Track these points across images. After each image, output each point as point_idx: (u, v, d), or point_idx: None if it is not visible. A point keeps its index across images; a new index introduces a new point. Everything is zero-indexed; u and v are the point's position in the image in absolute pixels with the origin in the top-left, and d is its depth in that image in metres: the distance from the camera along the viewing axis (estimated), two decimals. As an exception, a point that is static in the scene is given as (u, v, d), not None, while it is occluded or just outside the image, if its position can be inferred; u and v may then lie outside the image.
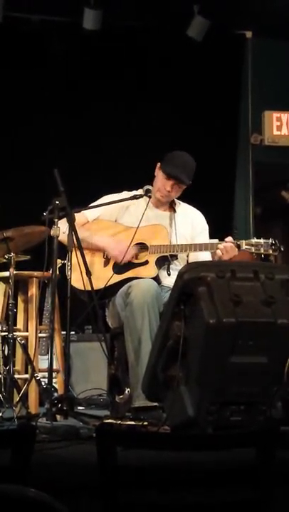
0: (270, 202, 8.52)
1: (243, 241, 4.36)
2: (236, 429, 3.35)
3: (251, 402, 3.44)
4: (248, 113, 7.86)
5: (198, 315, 3.36)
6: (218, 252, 4.31)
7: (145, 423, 3.78)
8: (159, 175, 4.57)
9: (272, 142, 7.87)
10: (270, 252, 4.32)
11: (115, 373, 4.33)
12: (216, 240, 4.47)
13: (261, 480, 2.45)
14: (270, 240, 4.32)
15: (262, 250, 4.32)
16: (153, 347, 3.75)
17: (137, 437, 2.61)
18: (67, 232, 4.18)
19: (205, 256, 4.53)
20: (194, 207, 4.75)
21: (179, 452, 2.63)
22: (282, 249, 4.33)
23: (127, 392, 4.16)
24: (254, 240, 4.36)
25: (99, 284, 4.35)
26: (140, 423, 3.80)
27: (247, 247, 4.33)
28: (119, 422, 3.85)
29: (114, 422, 3.86)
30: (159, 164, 4.60)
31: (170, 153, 4.61)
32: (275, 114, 7.88)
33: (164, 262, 4.46)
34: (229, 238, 4.37)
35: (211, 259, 4.53)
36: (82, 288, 4.30)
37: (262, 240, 4.33)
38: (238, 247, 4.33)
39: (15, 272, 4.45)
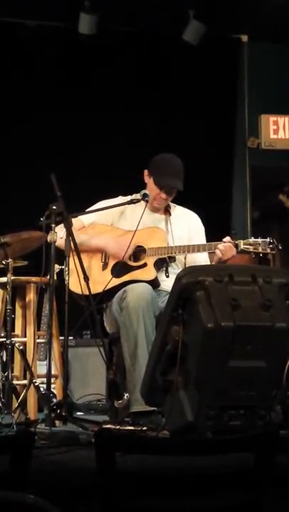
0: (267, 205, 8.52)
1: (241, 241, 4.36)
2: (235, 433, 3.35)
3: (250, 406, 3.43)
4: (245, 117, 7.87)
5: (196, 319, 3.36)
6: (218, 252, 4.32)
7: (144, 428, 3.77)
8: (151, 184, 4.57)
9: (269, 146, 7.89)
10: (268, 250, 4.32)
11: (114, 378, 4.32)
12: None
13: (260, 484, 2.44)
14: (268, 239, 4.33)
15: (260, 249, 4.32)
16: (151, 351, 3.74)
17: (136, 442, 2.61)
18: (64, 237, 4.18)
19: (202, 257, 4.54)
20: (192, 211, 4.76)
21: (178, 457, 2.62)
22: (280, 247, 4.33)
23: (125, 397, 4.15)
24: (252, 240, 4.36)
25: (97, 288, 4.35)
26: (139, 428, 3.79)
27: (245, 246, 4.34)
28: (118, 427, 3.85)
29: (113, 427, 3.85)
30: (146, 172, 4.61)
31: (155, 158, 4.62)
32: (272, 118, 7.89)
33: (162, 264, 4.46)
34: (227, 238, 4.37)
35: (208, 259, 4.55)
36: (80, 293, 4.30)
37: (260, 239, 4.33)
38: (236, 246, 4.33)
39: (12, 278, 4.44)
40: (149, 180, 4.60)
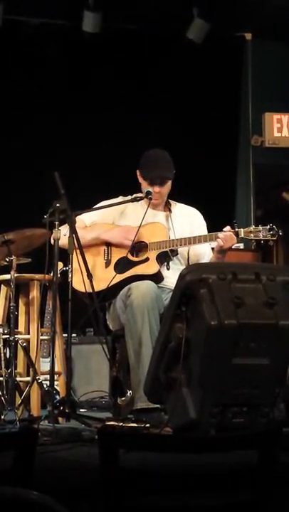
0: (271, 203, 8.53)
1: (242, 229, 4.37)
2: (239, 431, 3.35)
3: (253, 403, 3.44)
4: (249, 115, 7.86)
5: (199, 317, 3.36)
6: (219, 241, 4.34)
7: (147, 425, 3.78)
8: (143, 182, 4.61)
9: (273, 144, 7.88)
10: (269, 237, 4.33)
11: (117, 375, 4.33)
12: None
13: (263, 482, 2.44)
14: (269, 225, 4.34)
15: (261, 236, 4.33)
16: (155, 349, 3.75)
17: (139, 439, 2.61)
18: (68, 235, 4.19)
19: (205, 249, 4.55)
20: (195, 208, 4.76)
21: (181, 454, 2.62)
22: (280, 233, 4.34)
23: (128, 394, 4.16)
24: (252, 227, 4.37)
25: (101, 285, 4.36)
26: (142, 425, 3.79)
27: (246, 234, 4.35)
28: (121, 424, 3.85)
29: (116, 424, 3.86)
30: (138, 172, 4.64)
31: (142, 156, 4.65)
32: (276, 116, 7.88)
33: (164, 257, 4.47)
34: (227, 227, 4.38)
35: (211, 252, 4.55)
36: (84, 290, 4.31)
37: (260, 226, 4.34)
38: (237, 234, 4.35)
39: (16, 275, 4.44)
40: (141, 179, 4.63)
